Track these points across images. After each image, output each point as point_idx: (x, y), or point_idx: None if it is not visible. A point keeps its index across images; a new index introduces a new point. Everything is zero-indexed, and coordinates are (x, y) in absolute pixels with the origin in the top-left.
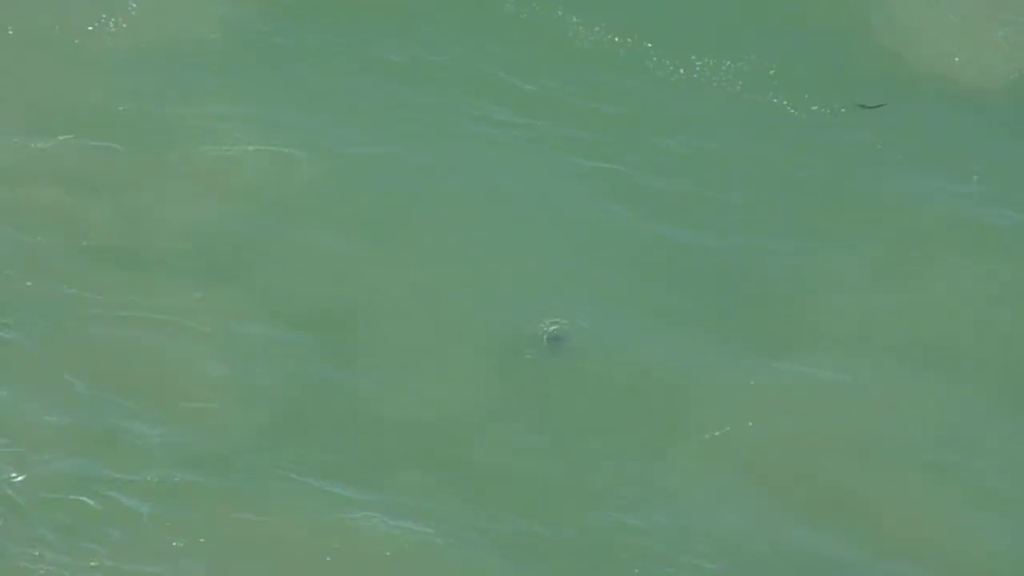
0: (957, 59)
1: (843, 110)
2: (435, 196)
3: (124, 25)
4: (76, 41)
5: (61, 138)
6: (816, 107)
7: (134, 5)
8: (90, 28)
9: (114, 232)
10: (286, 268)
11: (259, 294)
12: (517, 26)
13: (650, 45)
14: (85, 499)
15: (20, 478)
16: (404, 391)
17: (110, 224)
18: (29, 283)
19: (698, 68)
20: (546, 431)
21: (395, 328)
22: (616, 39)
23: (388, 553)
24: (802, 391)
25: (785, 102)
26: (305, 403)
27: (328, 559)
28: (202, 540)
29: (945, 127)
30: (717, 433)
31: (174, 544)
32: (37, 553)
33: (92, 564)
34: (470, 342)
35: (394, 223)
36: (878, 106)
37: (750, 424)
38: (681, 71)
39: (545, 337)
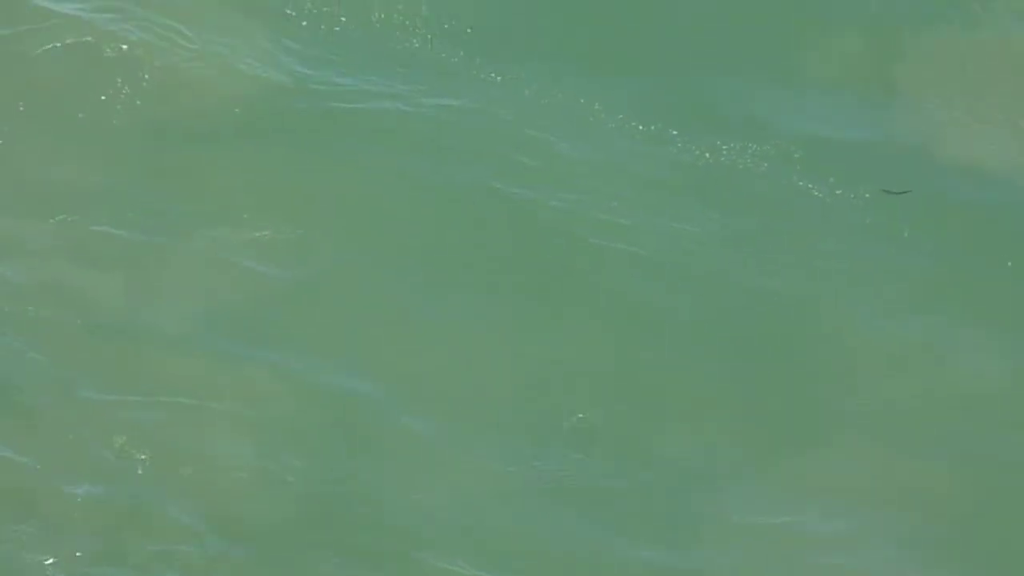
0: (985, 147)
1: (867, 195)
2: (457, 282)
3: (138, 102)
4: (81, 115)
5: (70, 217)
6: (840, 191)
7: (147, 77)
8: (103, 97)
9: (127, 311)
10: (308, 351)
11: (283, 376)
12: (538, 110)
13: (675, 132)
14: None
15: (49, 560)
16: (425, 487)
17: (122, 303)
18: (36, 357)
19: (724, 152)
20: (575, 531)
21: (418, 416)
22: (640, 127)
23: None
24: (840, 481)
25: (810, 185)
26: (326, 493)
27: None
28: None
29: (973, 214)
30: (757, 520)
31: None
32: None
33: None
34: (496, 433)
35: (417, 308)
36: (903, 192)
37: (786, 519)
38: (707, 155)
39: (572, 428)
